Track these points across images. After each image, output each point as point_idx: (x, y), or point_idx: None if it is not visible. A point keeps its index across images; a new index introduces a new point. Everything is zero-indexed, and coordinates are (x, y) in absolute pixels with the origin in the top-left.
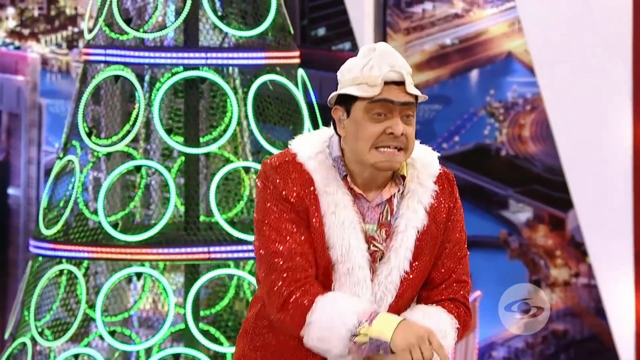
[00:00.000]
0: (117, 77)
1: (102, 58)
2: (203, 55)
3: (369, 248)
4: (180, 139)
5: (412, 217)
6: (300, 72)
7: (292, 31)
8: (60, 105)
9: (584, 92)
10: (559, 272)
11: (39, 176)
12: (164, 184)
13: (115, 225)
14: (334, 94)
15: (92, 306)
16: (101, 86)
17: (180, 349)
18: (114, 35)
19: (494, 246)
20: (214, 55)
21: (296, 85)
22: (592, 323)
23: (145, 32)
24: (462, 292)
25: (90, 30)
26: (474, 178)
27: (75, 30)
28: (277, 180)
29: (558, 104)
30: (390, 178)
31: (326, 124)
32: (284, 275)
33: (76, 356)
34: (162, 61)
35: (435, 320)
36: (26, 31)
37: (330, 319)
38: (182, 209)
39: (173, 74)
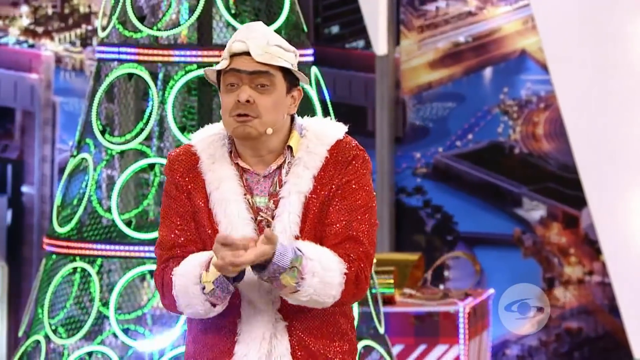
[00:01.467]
0: (130, 75)
1: (116, 56)
2: (217, 53)
3: (257, 219)
4: None
5: (296, 182)
6: (314, 69)
7: (305, 29)
8: (74, 103)
9: (598, 89)
10: (572, 270)
11: (52, 174)
12: None
13: (128, 223)
14: (207, 71)
15: (105, 304)
16: (115, 84)
17: None
18: (128, 33)
19: (507, 244)
20: None
21: (309, 83)
22: (606, 321)
23: (158, 30)
24: (355, 252)
25: (103, 28)
26: (488, 176)
27: (89, 28)
28: (168, 167)
29: (572, 102)
30: (280, 152)
31: (340, 121)
32: (162, 266)
33: (90, 354)
34: (176, 59)
35: (319, 254)
36: (40, 29)
37: (184, 285)
38: None
39: (186, 72)
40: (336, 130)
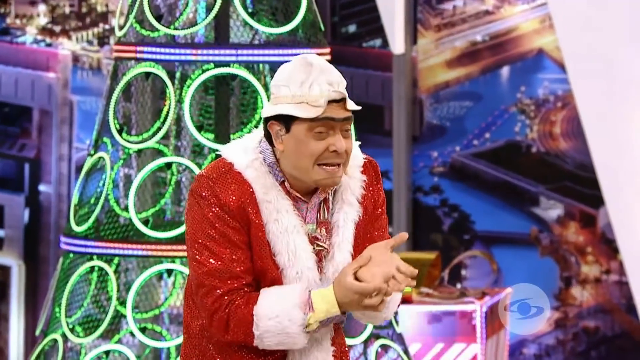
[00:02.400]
0: (147, 74)
1: (133, 55)
2: (234, 52)
3: (313, 249)
4: (211, 135)
5: (348, 211)
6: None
7: (322, 28)
8: (91, 102)
9: (615, 88)
10: (590, 269)
11: (70, 173)
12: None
13: (146, 222)
14: (270, 109)
15: (122, 303)
16: (132, 83)
17: None
18: (145, 32)
19: (524, 243)
20: (244, 52)
21: None
22: (623, 320)
23: (176, 29)
24: None
25: (121, 27)
26: (505, 175)
27: (107, 27)
28: (217, 192)
29: (589, 101)
30: None
31: (357, 120)
32: (222, 299)
33: (107, 353)
34: (193, 58)
35: None
36: (57, 28)
37: (279, 325)
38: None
39: (204, 71)
40: (357, 149)
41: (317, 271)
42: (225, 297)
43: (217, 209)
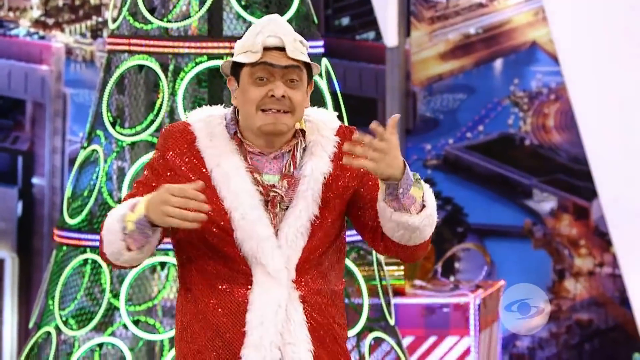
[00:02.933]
0: (141, 67)
1: (126, 48)
2: (227, 44)
3: (267, 194)
4: None
5: (317, 163)
6: (324, 61)
7: (316, 20)
8: (84, 95)
9: (609, 81)
10: (583, 261)
11: (63, 166)
12: None
13: None
14: (224, 61)
15: (116, 295)
16: (125, 76)
17: None
18: (138, 24)
19: (518, 236)
20: None
21: (320, 74)
22: (617, 313)
23: (169, 21)
24: None
25: (114, 20)
26: (498, 167)
27: (100, 19)
28: (160, 143)
29: (582, 94)
30: (291, 136)
31: (350, 113)
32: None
33: (100, 345)
34: (186, 51)
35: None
36: (50, 21)
37: (109, 223)
38: None
39: (197, 64)
40: (333, 115)
41: (265, 211)
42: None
43: (157, 157)
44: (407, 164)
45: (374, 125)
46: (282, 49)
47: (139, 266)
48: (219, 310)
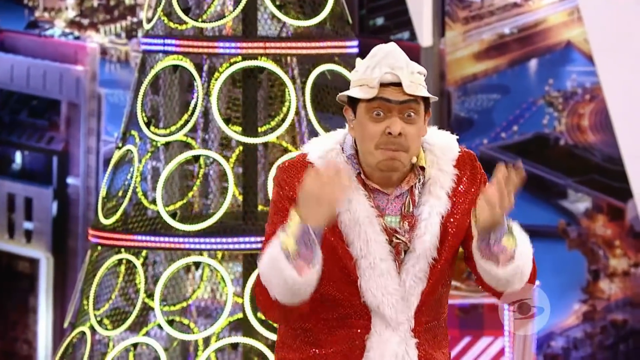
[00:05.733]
0: (175, 67)
1: (161, 48)
2: (261, 44)
3: (391, 241)
4: (239, 128)
5: (434, 204)
6: (359, 61)
7: (350, 20)
8: (119, 95)
9: None
10: (618, 262)
11: (98, 166)
12: (222, 174)
13: (173, 215)
14: (342, 94)
15: (150, 295)
16: (160, 76)
17: (238, 338)
18: (173, 24)
19: (552, 236)
20: (272, 44)
21: None
22: None
23: (203, 21)
24: None
25: (149, 20)
26: (533, 168)
27: (134, 20)
28: (285, 181)
29: (617, 94)
30: (410, 171)
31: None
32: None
33: (135, 345)
34: (221, 51)
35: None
36: (85, 21)
37: (269, 261)
38: (240, 198)
39: (231, 64)
40: (453, 141)
41: (393, 262)
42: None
43: (281, 195)
44: (505, 215)
45: (503, 172)
46: (397, 84)
47: (173, 266)
48: (332, 349)
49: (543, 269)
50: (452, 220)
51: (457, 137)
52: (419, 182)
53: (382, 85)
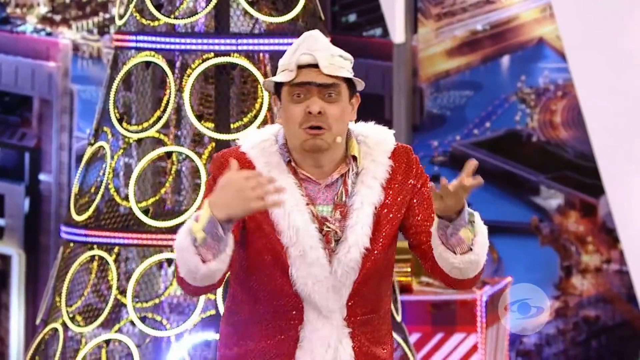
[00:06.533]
0: (148, 63)
1: (133, 44)
2: (234, 41)
3: (322, 230)
4: (211, 125)
5: (367, 193)
6: None
7: (322, 17)
8: (91, 91)
9: (616, 77)
10: (590, 258)
11: (70, 162)
12: (194, 170)
13: (146, 212)
14: (267, 80)
15: (123, 292)
16: (132, 72)
17: (211, 335)
18: (145, 21)
19: (525, 232)
20: (244, 41)
21: None
22: (624, 309)
23: (176, 18)
24: None
25: (121, 17)
26: (505, 164)
27: (107, 16)
28: (217, 172)
29: (589, 90)
30: (341, 161)
31: (357, 110)
32: None
33: (107, 342)
34: (193, 47)
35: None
36: (57, 17)
37: (179, 242)
38: None
39: (204, 60)
40: (388, 135)
41: (323, 250)
42: None
43: (211, 190)
44: (466, 206)
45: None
46: (315, 66)
47: (146, 263)
48: (268, 342)
49: (516, 265)
50: (385, 211)
51: (394, 132)
52: (351, 171)
53: (301, 67)
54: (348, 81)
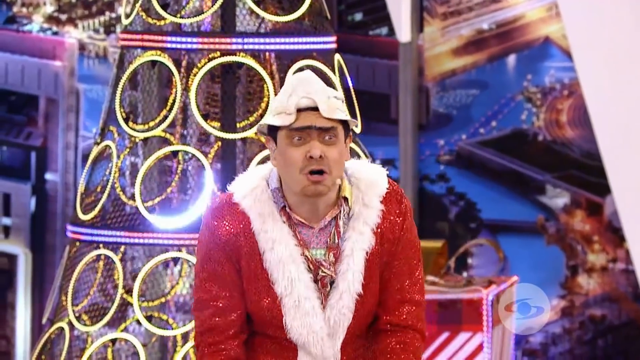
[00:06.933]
0: (154, 63)
1: (139, 43)
2: (240, 40)
3: (317, 274)
4: (217, 124)
5: (358, 240)
6: (337, 57)
7: (328, 16)
8: (97, 91)
9: (622, 76)
10: (596, 257)
11: (76, 161)
12: (200, 169)
13: (152, 211)
14: (261, 124)
15: (129, 291)
16: (138, 71)
17: None
18: (151, 20)
19: (531, 231)
20: (250, 40)
21: (333, 70)
22: (630, 308)
23: (182, 17)
24: (412, 316)
25: (127, 16)
26: (511, 163)
27: (113, 15)
28: (212, 224)
29: (595, 89)
30: (335, 202)
31: (363, 109)
32: (202, 339)
33: (113, 341)
34: (199, 46)
35: None
36: (64, 16)
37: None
38: (218, 194)
39: (210, 59)
40: (381, 176)
41: (318, 300)
42: (204, 337)
43: (210, 243)
44: None
45: None
46: (315, 109)
47: (152, 262)
48: None
49: (522, 265)
50: (376, 256)
51: (387, 171)
52: (343, 212)
53: (300, 110)
54: (343, 122)
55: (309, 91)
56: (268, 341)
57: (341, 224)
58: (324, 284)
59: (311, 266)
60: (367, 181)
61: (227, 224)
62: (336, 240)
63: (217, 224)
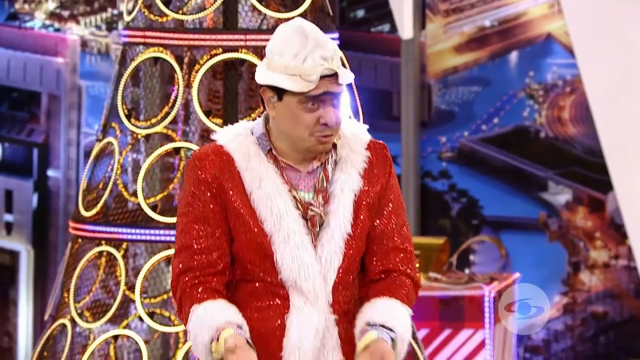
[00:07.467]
0: (156, 59)
1: (141, 40)
2: (242, 37)
3: (306, 214)
4: (219, 120)
5: (347, 180)
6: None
7: (331, 12)
8: (99, 87)
9: (624, 73)
10: (598, 254)
11: (78, 158)
12: None
13: (154, 207)
14: (263, 76)
15: (131, 288)
16: (140, 68)
17: None
18: (153, 17)
19: (533, 228)
20: (253, 37)
21: None
22: (632, 305)
23: (184, 14)
24: (404, 262)
25: (129, 12)
26: (513, 160)
27: (115, 12)
28: (196, 166)
29: (598, 86)
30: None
31: (365, 106)
32: (180, 279)
33: (115, 337)
34: (201, 43)
35: (398, 322)
36: (66, 13)
37: (197, 335)
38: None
39: (212, 56)
40: (363, 129)
41: (307, 235)
42: (181, 277)
43: (196, 182)
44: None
45: None
46: (333, 76)
47: (154, 259)
48: (256, 330)
49: (524, 261)
50: (364, 198)
51: (367, 127)
52: (331, 158)
53: (323, 77)
54: None
55: (326, 57)
56: (259, 288)
57: (330, 169)
58: (314, 224)
59: (299, 205)
60: (351, 130)
61: (210, 163)
62: (324, 184)
63: (200, 164)
